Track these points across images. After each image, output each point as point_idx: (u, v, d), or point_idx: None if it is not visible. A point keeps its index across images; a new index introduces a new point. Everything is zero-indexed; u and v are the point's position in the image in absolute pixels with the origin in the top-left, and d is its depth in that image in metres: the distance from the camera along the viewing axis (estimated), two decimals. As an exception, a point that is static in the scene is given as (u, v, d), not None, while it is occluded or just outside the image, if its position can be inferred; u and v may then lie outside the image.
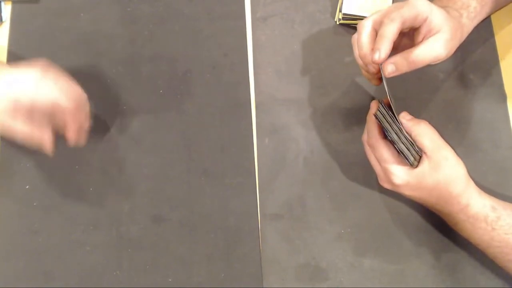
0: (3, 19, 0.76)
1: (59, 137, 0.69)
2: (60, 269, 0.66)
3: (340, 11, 0.76)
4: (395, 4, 0.61)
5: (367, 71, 0.64)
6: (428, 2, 0.60)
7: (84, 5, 0.78)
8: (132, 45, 0.76)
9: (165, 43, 0.76)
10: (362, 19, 0.72)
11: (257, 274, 0.66)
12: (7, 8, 0.77)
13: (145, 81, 0.74)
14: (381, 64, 0.61)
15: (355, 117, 0.74)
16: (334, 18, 0.78)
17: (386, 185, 0.63)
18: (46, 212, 0.68)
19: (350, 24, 0.77)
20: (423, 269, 0.67)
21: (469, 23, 0.66)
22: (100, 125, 0.72)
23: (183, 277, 0.66)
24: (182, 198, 0.69)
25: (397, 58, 0.60)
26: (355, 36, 0.64)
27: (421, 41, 0.61)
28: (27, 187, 0.69)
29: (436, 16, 0.60)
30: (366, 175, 0.71)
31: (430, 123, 0.63)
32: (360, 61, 0.64)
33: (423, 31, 0.60)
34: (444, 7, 0.64)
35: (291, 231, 0.68)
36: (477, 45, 0.76)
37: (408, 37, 0.64)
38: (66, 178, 0.70)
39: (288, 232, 0.68)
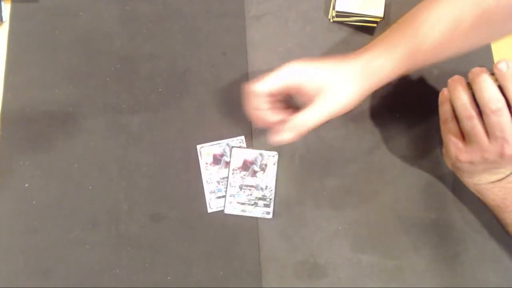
0: (3, 19, 0.68)
1: (58, 135, 0.64)
2: (59, 267, 0.60)
3: (334, 8, 0.68)
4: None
5: None
6: (302, 66, 0.53)
7: (83, 4, 0.70)
8: (131, 44, 0.68)
9: (164, 42, 0.69)
10: (355, 16, 0.67)
11: (256, 272, 0.60)
12: (7, 8, 0.69)
13: (144, 79, 0.67)
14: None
15: (350, 114, 0.65)
16: (327, 15, 0.71)
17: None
18: (45, 211, 0.61)
19: (344, 22, 0.70)
20: (421, 264, 0.61)
21: (395, 63, 0.53)
22: (99, 123, 0.64)
23: (182, 275, 0.59)
24: (181, 196, 0.62)
25: (284, 126, 0.54)
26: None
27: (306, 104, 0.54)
28: (26, 185, 0.62)
29: (312, 79, 0.53)
30: (362, 171, 0.64)
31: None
32: None
33: (304, 99, 0.54)
34: (367, 48, 0.55)
35: (289, 229, 0.62)
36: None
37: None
38: (65, 177, 0.63)
39: (286, 230, 0.62)
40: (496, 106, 0.50)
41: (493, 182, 0.55)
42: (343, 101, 0.53)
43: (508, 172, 0.54)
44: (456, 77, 0.55)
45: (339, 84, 0.53)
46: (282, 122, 0.55)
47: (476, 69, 0.53)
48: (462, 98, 0.54)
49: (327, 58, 0.54)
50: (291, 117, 0.53)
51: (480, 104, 0.51)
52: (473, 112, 0.53)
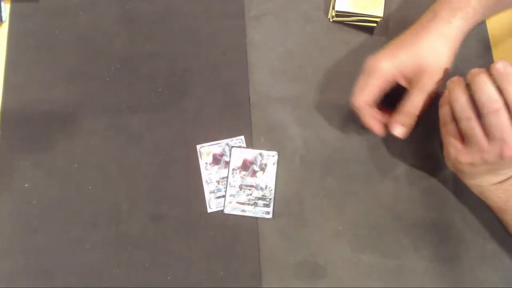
0: (3, 19, 0.67)
1: (58, 135, 0.64)
2: (60, 267, 0.59)
3: (334, 8, 0.68)
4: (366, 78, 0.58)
5: None
6: (386, 61, 0.57)
7: (83, 4, 0.70)
8: (131, 44, 0.68)
9: (164, 42, 0.69)
10: (355, 16, 0.67)
11: (256, 272, 0.59)
12: (7, 8, 0.69)
13: (144, 79, 0.67)
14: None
15: (351, 114, 0.66)
16: (327, 15, 0.71)
17: (488, 156, 0.52)
18: (45, 211, 0.61)
19: (344, 22, 0.70)
20: (422, 264, 0.60)
21: (463, 23, 0.57)
22: (99, 123, 0.64)
23: (182, 275, 0.59)
24: (181, 196, 0.62)
25: (399, 117, 0.57)
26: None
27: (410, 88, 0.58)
28: (26, 185, 0.62)
29: (403, 67, 0.56)
30: (362, 171, 0.64)
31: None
32: None
33: (403, 83, 0.58)
34: (435, 11, 0.58)
35: (289, 229, 0.61)
36: (470, 39, 0.68)
37: None
38: (65, 177, 0.62)
39: (286, 230, 0.61)
40: (494, 106, 0.49)
41: (495, 184, 0.55)
42: (441, 70, 0.56)
43: (510, 174, 0.54)
44: (455, 78, 0.55)
45: (431, 56, 0.56)
46: (394, 117, 0.58)
47: (474, 70, 0.53)
48: (460, 99, 0.53)
49: (403, 37, 0.58)
50: (402, 106, 0.57)
51: (478, 105, 0.51)
52: (471, 113, 0.52)
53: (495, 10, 0.61)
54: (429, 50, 0.56)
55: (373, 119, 0.59)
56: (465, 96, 0.53)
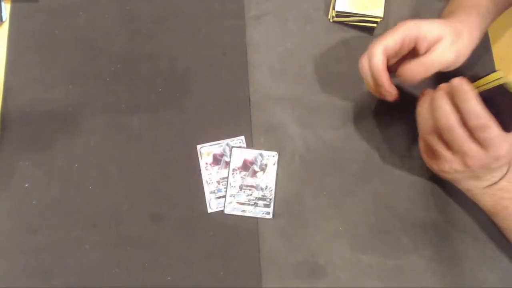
0: (3, 19, 0.67)
1: (58, 135, 0.64)
2: (59, 267, 0.59)
3: (334, 8, 0.68)
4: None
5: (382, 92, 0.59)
6: (415, 22, 0.56)
7: (83, 4, 0.70)
8: (131, 44, 0.68)
9: (164, 42, 0.69)
10: (355, 16, 0.67)
11: (256, 272, 0.59)
12: (7, 8, 0.69)
13: (144, 79, 0.67)
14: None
15: (350, 114, 0.67)
16: (327, 15, 0.71)
17: (473, 162, 0.52)
18: (45, 211, 0.61)
19: (344, 22, 0.70)
20: (422, 263, 0.60)
21: (481, 20, 0.59)
22: (99, 123, 0.64)
23: (181, 275, 0.59)
24: (181, 196, 0.62)
25: (412, 64, 0.56)
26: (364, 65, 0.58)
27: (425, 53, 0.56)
28: (27, 185, 0.62)
29: (429, 30, 0.55)
30: (362, 171, 0.64)
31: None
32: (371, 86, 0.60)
33: (422, 47, 0.56)
34: (451, 11, 0.60)
35: (289, 229, 0.61)
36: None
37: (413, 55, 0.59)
38: (65, 177, 0.62)
39: (286, 230, 0.61)
40: (448, 123, 0.51)
41: (483, 188, 0.56)
42: (462, 49, 0.56)
43: (494, 179, 0.54)
44: (425, 91, 0.57)
45: (454, 33, 0.55)
46: (408, 63, 0.57)
47: (441, 86, 0.54)
48: (422, 114, 0.55)
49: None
50: (420, 58, 0.56)
51: (435, 121, 0.52)
52: (430, 129, 0.54)
53: (504, 8, 0.63)
54: (453, 29, 0.56)
55: (386, 74, 0.57)
56: (427, 111, 0.54)
